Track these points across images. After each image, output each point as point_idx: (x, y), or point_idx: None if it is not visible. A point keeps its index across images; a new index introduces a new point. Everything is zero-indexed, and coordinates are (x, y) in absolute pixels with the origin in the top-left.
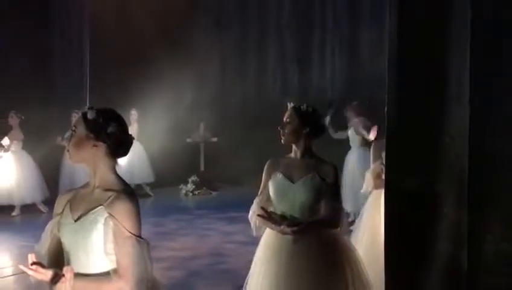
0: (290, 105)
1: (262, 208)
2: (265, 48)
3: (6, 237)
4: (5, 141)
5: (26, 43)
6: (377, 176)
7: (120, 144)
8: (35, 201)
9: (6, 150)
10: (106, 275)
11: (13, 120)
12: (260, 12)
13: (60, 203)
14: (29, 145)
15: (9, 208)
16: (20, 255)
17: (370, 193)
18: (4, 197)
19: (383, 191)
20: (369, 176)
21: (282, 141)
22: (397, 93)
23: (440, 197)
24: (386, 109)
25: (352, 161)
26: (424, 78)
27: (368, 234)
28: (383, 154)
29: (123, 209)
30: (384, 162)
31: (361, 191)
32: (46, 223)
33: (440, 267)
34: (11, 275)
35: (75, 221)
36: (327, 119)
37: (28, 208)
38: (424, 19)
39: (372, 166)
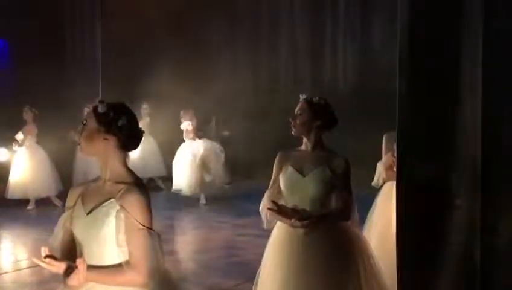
0: (302, 97)
1: (273, 201)
2: (277, 39)
3: (21, 230)
4: (19, 135)
5: (39, 39)
6: (389, 168)
7: (130, 137)
8: (50, 195)
9: (21, 144)
10: (118, 266)
11: (27, 115)
12: (272, 3)
13: (72, 196)
14: (43, 139)
15: (25, 201)
16: (35, 248)
17: (382, 185)
18: (19, 191)
19: (394, 183)
20: (380, 168)
21: (293, 132)
22: (409, 82)
23: (452, 187)
24: (397, 99)
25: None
26: (437, 67)
27: (379, 226)
28: (395, 146)
29: (134, 201)
30: (395, 154)
31: (372, 183)
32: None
33: (453, 259)
34: (27, 268)
35: (87, 214)
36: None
37: (43, 202)
38: (436, 7)
39: (383, 158)
